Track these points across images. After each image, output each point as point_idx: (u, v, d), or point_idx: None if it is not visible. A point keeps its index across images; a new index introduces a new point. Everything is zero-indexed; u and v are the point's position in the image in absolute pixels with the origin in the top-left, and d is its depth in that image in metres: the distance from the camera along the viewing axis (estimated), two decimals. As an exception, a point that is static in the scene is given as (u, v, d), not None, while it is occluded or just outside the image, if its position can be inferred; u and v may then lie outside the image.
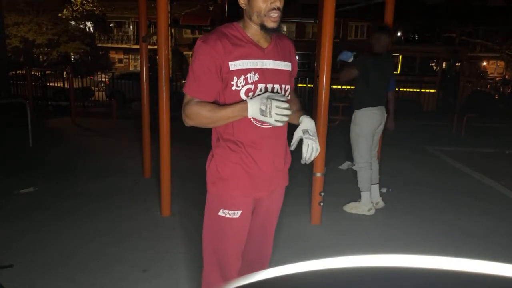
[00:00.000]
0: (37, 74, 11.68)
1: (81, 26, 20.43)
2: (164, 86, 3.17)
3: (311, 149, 1.36)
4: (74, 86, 9.69)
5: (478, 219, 3.50)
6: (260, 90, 1.39)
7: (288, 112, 1.28)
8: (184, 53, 24.60)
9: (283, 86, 1.46)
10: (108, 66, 21.36)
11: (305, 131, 1.40)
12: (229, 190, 1.47)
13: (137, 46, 14.70)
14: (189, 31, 25.06)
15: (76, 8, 18.37)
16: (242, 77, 1.37)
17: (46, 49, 18.52)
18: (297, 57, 1.64)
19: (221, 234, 1.50)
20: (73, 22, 19.53)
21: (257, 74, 1.38)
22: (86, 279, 2.35)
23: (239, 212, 1.47)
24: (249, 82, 1.37)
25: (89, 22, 21.09)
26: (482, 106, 10.17)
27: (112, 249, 2.72)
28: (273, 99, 1.28)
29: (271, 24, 1.36)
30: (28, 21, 17.03)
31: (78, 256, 2.62)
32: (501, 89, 16.48)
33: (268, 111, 1.28)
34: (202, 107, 1.39)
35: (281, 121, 1.29)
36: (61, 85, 11.99)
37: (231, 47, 1.36)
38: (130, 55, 26.30)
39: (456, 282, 0.28)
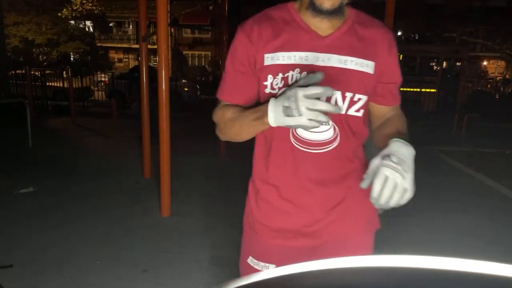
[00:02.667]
0: (37, 73, 11.68)
1: (81, 26, 20.45)
2: (164, 86, 3.17)
3: (391, 186, 0.79)
4: (74, 86, 9.68)
5: (478, 219, 3.49)
6: None
7: (324, 106, 0.78)
8: (184, 52, 24.60)
9: (348, 94, 0.96)
10: (108, 66, 21.35)
11: (387, 156, 0.83)
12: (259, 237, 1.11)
13: (137, 46, 14.72)
14: (189, 30, 25.06)
15: (75, 8, 18.37)
16: (280, 76, 0.95)
17: (45, 48, 18.53)
18: (397, 57, 1.05)
19: None
20: (72, 22, 19.54)
21: (305, 73, 0.93)
22: (86, 279, 2.35)
23: (270, 266, 1.10)
24: (289, 83, 0.94)
25: (89, 22, 21.10)
26: (483, 106, 10.17)
27: (112, 249, 2.72)
28: (300, 87, 0.80)
29: (325, 4, 0.91)
30: (28, 20, 17.03)
31: (78, 256, 2.62)
32: (502, 88, 16.48)
33: (294, 106, 0.79)
34: (226, 111, 1.02)
35: (318, 121, 0.80)
36: (61, 85, 11.98)
37: (271, 33, 0.97)
38: (130, 55, 26.29)
39: (456, 282, 0.28)
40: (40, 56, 19.13)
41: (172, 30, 21.54)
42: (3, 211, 3.35)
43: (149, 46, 4.52)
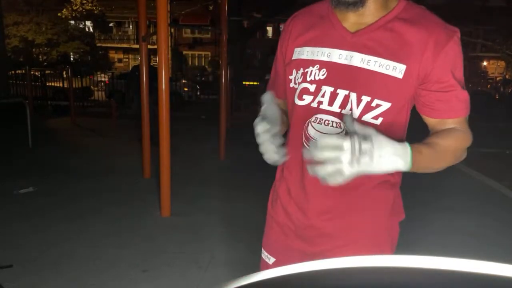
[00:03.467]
0: (37, 73, 11.69)
1: (81, 26, 20.45)
2: (164, 86, 3.17)
3: (333, 165, 0.70)
4: (74, 86, 9.69)
5: (478, 219, 3.49)
6: (323, 96, 0.89)
7: (263, 150, 0.86)
8: (184, 52, 24.60)
9: (364, 98, 0.87)
10: (108, 66, 21.36)
11: (363, 136, 0.72)
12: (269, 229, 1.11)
13: (137, 46, 14.72)
14: (188, 30, 25.06)
15: (75, 8, 18.38)
16: (301, 70, 0.93)
17: (45, 48, 18.54)
18: (454, 62, 0.87)
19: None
20: (72, 22, 19.55)
21: (323, 70, 0.90)
22: (86, 279, 2.35)
23: (272, 259, 1.10)
24: (308, 79, 0.91)
25: (89, 22, 21.11)
26: (483, 106, 10.18)
27: (112, 249, 2.72)
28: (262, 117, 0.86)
29: None
30: (28, 20, 17.05)
31: (78, 256, 2.61)
32: (502, 89, 16.49)
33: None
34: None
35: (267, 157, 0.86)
36: (61, 85, 11.99)
37: (304, 27, 0.96)
38: (130, 55, 26.31)
39: (456, 282, 0.28)
40: (40, 56, 19.14)
41: (172, 30, 21.53)
42: (3, 211, 3.34)
43: (149, 46, 4.52)
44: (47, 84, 11.81)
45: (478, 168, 5.20)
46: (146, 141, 4.37)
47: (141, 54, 4.35)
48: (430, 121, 0.93)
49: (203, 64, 25.43)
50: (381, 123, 0.87)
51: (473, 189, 4.46)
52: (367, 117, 0.87)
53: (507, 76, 21.97)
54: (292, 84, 0.96)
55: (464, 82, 0.91)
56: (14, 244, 2.76)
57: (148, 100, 4.30)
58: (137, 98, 5.75)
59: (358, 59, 0.87)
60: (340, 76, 0.88)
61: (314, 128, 0.91)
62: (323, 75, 0.90)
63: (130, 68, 5.99)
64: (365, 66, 0.86)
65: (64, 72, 11.51)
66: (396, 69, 0.85)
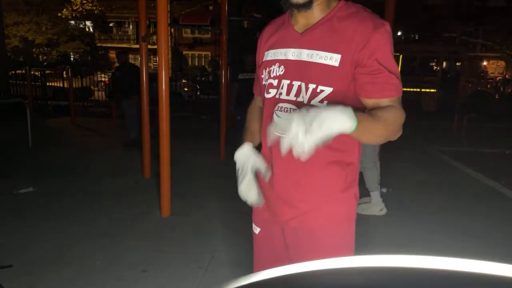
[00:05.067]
0: (37, 73, 11.69)
1: (81, 26, 20.45)
2: (164, 86, 3.17)
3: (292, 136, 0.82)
4: (74, 86, 9.69)
5: (478, 219, 3.49)
6: (282, 87, 1.09)
7: (242, 194, 1.20)
8: (184, 52, 24.59)
9: (310, 86, 1.03)
10: (108, 66, 21.36)
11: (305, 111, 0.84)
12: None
13: (137, 46, 14.70)
14: (188, 30, 25.05)
15: (75, 8, 18.38)
16: (267, 69, 1.14)
17: (45, 48, 18.55)
18: (382, 49, 0.99)
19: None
20: (72, 22, 19.55)
21: (282, 67, 1.10)
22: (86, 279, 2.35)
23: (258, 229, 1.30)
24: (272, 76, 1.12)
25: (89, 22, 21.10)
26: (483, 106, 10.18)
27: (111, 249, 2.72)
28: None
29: None
30: (28, 20, 17.05)
31: (78, 256, 2.61)
32: (502, 89, 16.49)
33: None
34: (250, 109, 1.36)
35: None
36: (61, 85, 11.98)
37: (270, 34, 1.18)
38: (130, 55, 26.28)
39: (456, 282, 0.28)
40: (40, 56, 19.14)
41: (172, 30, 21.53)
42: (3, 211, 3.35)
43: (149, 46, 4.52)
44: (47, 84, 11.80)
45: (478, 168, 5.20)
46: (146, 141, 4.37)
47: (141, 54, 4.34)
48: (365, 101, 1.03)
49: (203, 64, 25.43)
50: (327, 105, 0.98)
51: (473, 189, 4.46)
52: (315, 102, 1.04)
53: (507, 76, 21.95)
54: (263, 82, 1.17)
55: (396, 68, 1.03)
56: (14, 244, 2.76)
57: (147, 100, 4.30)
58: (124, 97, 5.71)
59: (305, 54, 1.05)
60: (293, 70, 1.07)
61: (278, 116, 1.10)
62: (282, 71, 1.10)
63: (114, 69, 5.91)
64: (309, 59, 1.04)
65: (64, 72, 11.51)
66: (332, 59, 1.02)
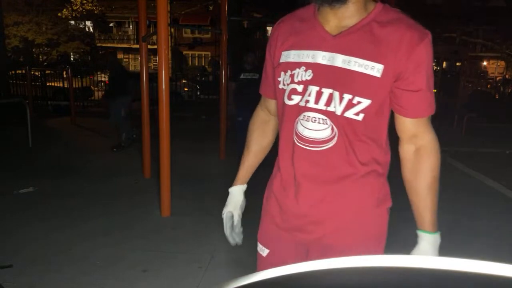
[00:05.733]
0: (37, 73, 11.69)
1: (81, 26, 20.45)
2: (164, 86, 3.17)
3: None
4: (74, 86, 9.69)
5: (478, 219, 3.49)
6: (309, 95, 0.96)
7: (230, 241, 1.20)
8: (184, 52, 24.60)
9: (346, 96, 0.93)
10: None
11: None
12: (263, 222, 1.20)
13: (137, 46, 14.71)
14: (188, 30, 25.07)
15: (75, 8, 18.37)
16: (289, 72, 0.99)
17: (45, 48, 18.56)
18: (424, 62, 0.93)
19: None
20: (72, 22, 19.55)
21: (309, 71, 0.96)
22: (86, 279, 2.35)
23: (266, 251, 1.18)
24: (295, 80, 0.98)
25: (89, 22, 21.11)
26: (483, 106, 10.17)
27: (112, 249, 2.71)
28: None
29: None
30: (28, 20, 17.05)
31: (78, 256, 2.61)
32: (502, 88, 16.48)
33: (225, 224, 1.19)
34: (252, 121, 1.23)
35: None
36: (61, 85, 11.99)
37: (289, 32, 1.02)
38: (130, 55, 26.31)
39: (456, 282, 0.28)
40: (40, 56, 19.14)
41: (172, 30, 21.53)
42: (3, 211, 3.34)
43: (149, 46, 4.52)
44: (47, 84, 11.81)
45: (478, 168, 5.20)
46: (146, 141, 4.37)
47: (141, 54, 4.35)
48: (401, 119, 1.00)
49: (203, 64, 25.43)
50: (363, 119, 0.95)
51: (473, 189, 4.46)
52: (349, 114, 0.95)
53: (507, 76, 21.95)
54: (281, 86, 1.03)
55: (433, 83, 0.98)
56: (14, 244, 2.76)
57: (147, 100, 4.29)
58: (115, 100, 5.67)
59: (339, 60, 0.94)
60: (324, 76, 0.95)
61: (303, 125, 0.99)
62: (309, 76, 0.97)
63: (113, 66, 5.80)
64: (346, 66, 0.93)
65: (64, 72, 11.51)
66: (374, 69, 0.92)
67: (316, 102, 0.96)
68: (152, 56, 15.04)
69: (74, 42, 18.47)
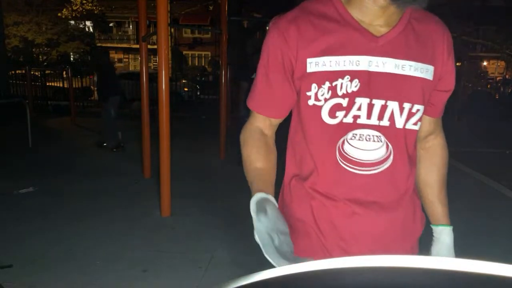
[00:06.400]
0: (37, 73, 11.69)
1: (81, 26, 20.45)
2: (164, 86, 3.17)
3: None
4: (74, 86, 9.69)
5: (478, 219, 3.49)
6: (359, 109, 0.81)
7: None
8: (184, 52, 24.59)
9: (406, 105, 0.83)
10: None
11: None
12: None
13: (137, 46, 14.72)
14: (188, 30, 25.07)
15: (75, 8, 18.37)
16: (327, 84, 0.80)
17: (45, 48, 18.55)
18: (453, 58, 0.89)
19: None
20: (72, 22, 19.55)
21: (355, 81, 0.80)
22: (86, 279, 2.35)
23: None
24: (339, 94, 0.80)
25: (89, 22, 21.11)
26: (483, 106, 10.17)
27: (112, 249, 2.71)
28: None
29: None
30: (28, 20, 17.05)
31: (78, 256, 2.61)
32: (502, 89, 16.49)
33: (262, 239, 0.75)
34: (248, 143, 0.91)
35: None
36: (61, 85, 11.99)
37: (314, 33, 0.82)
38: (130, 55, 26.30)
39: (456, 282, 0.28)
40: (40, 56, 19.14)
41: (172, 30, 21.54)
42: (3, 211, 3.34)
43: (149, 46, 4.52)
44: (47, 84, 11.81)
45: (478, 168, 5.20)
46: (146, 141, 4.37)
47: (141, 54, 4.35)
48: (425, 119, 0.94)
49: (203, 64, 25.43)
50: (419, 128, 0.88)
51: (473, 189, 4.46)
52: (409, 125, 0.85)
53: (507, 76, 21.96)
54: (313, 102, 0.83)
55: None
56: (14, 244, 2.76)
57: (147, 100, 4.30)
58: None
59: (391, 65, 0.81)
60: (375, 85, 0.80)
61: (353, 146, 0.83)
62: (355, 86, 0.80)
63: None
64: (400, 71, 0.81)
65: (64, 72, 11.52)
66: (428, 71, 0.84)
67: (368, 116, 0.82)
68: (152, 56, 15.04)
69: (74, 42, 18.47)
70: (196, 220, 3.29)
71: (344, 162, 0.84)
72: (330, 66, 0.80)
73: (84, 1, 18.61)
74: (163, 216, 3.34)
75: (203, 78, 18.59)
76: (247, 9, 13.59)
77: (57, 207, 3.47)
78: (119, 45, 25.83)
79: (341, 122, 0.82)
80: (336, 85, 0.80)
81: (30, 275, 2.36)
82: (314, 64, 0.81)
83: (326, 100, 0.81)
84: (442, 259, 0.29)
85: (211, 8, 20.09)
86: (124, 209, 3.49)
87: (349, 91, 0.80)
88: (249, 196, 0.81)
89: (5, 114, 6.73)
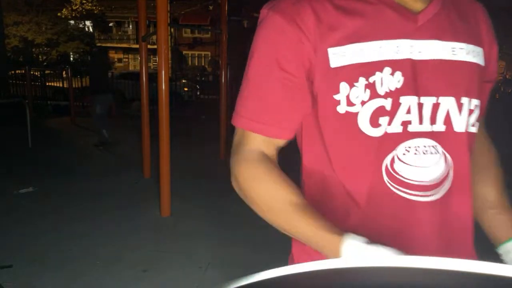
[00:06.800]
0: (37, 73, 11.69)
1: (81, 26, 20.46)
2: (163, 86, 3.17)
3: None
4: (74, 86, 9.70)
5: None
6: (408, 111, 0.60)
7: None
8: (184, 52, 24.61)
9: (465, 101, 0.62)
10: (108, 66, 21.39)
11: None
12: None
13: (137, 46, 14.71)
14: (188, 30, 25.07)
15: (75, 8, 18.38)
16: (362, 82, 0.59)
17: (45, 48, 18.57)
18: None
19: None
20: (72, 22, 19.56)
21: (398, 74, 0.59)
22: (86, 279, 2.35)
23: None
24: (381, 93, 0.59)
25: (89, 22, 21.11)
26: (482, 105, 10.16)
27: (112, 249, 2.72)
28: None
29: None
30: (28, 20, 17.07)
31: (78, 256, 2.61)
32: (502, 88, 16.51)
33: None
34: (262, 178, 0.62)
35: None
36: (61, 85, 11.99)
37: (334, 13, 0.60)
38: (130, 55, 26.31)
39: (456, 282, 0.28)
40: (40, 56, 19.15)
41: (172, 30, 21.55)
42: (3, 211, 3.34)
43: (149, 46, 4.52)
44: (47, 84, 11.81)
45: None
46: (146, 141, 4.37)
47: (141, 54, 4.35)
48: None
49: (203, 64, 25.44)
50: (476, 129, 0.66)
51: (473, 189, 4.47)
52: (470, 127, 0.64)
53: (507, 76, 21.98)
54: (345, 107, 0.59)
55: None
56: (14, 244, 2.76)
57: (147, 100, 4.30)
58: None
59: (440, 49, 0.60)
60: (421, 77, 0.60)
61: (407, 163, 0.60)
62: (398, 81, 0.59)
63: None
64: (451, 57, 0.61)
65: (64, 72, 11.52)
66: (479, 55, 0.65)
67: (421, 121, 0.60)
68: (152, 56, 15.04)
69: (74, 42, 18.50)
70: (196, 220, 3.29)
71: (398, 187, 0.60)
72: (363, 56, 0.58)
73: (84, 1, 18.63)
74: (163, 216, 3.34)
75: (203, 78, 18.60)
76: (247, 9, 13.61)
77: (57, 207, 3.47)
78: (119, 45, 25.84)
79: (386, 133, 0.59)
80: (374, 81, 0.58)
81: (30, 275, 2.36)
82: (340, 55, 0.59)
83: (363, 103, 0.58)
84: (442, 259, 0.29)
85: (211, 8, 20.11)
86: (124, 209, 3.49)
87: (392, 88, 0.58)
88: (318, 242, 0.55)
89: (5, 114, 6.73)
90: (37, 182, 4.04)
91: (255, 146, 0.64)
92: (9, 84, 10.36)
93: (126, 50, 26.13)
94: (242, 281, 0.30)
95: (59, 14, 17.99)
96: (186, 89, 14.52)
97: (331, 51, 0.59)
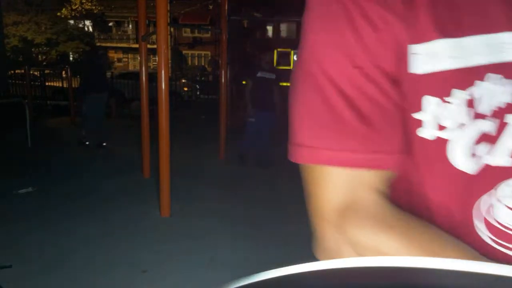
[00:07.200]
0: (36, 73, 11.69)
1: (80, 26, 20.46)
2: (163, 86, 3.17)
3: None
4: (73, 85, 9.69)
5: None
6: None
7: None
8: (184, 52, 24.60)
9: None
10: (107, 66, 21.37)
11: None
12: None
13: (137, 46, 14.71)
14: (188, 30, 25.07)
15: (75, 7, 18.38)
16: (458, 95, 0.39)
17: (45, 48, 18.56)
18: None
19: None
20: (72, 22, 19.56)
21: (506, 83, 0.39)
22: (86, 279, 2.35)
23: None
24: (481, 110, 0.40)
25: (88, 21, 21.11)
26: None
27: (112, 249, 2.72)
28: None
29: None
30: (27, 20, 17.06)
31: (78, 256, 2.62)
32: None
33: None
34: (395, 230, 0.39)
35: None
36: (60, 85, 11.99)
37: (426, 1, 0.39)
38: (129, 55, 26.30)
39: (456, 282, 0.28)
40: (40, 56, 19.15)
41: (172, 29, 21.55)
42: (3, 211, 3.34)
43: (149, 46, 4.52)
44: (47, 84, 11.81)
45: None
46: (145, 141, 4.37)
47: (141, 53, 4.35)
48: None
49: (203, 64, 25.44)
50: None
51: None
52: None
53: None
54: (431, 132, 0.42)
55: None
56: (14, 244, 2.76)
57: (147, 100, 4.30)
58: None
59: None
60: None
61: (509, 207, 0.43)
62: (505, 94, 0.41)
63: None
64: None
65: (64, 72, 11.52)
66: None
67: None
68: (151, 56, 15.04)
69: (74, 41, 18.49)
70: (196, 220, 3.29)
71: (497, 240, 0.43)
72: (457, 60, 0.40)
73: (84, 1, 18.63)
74: (163, 216, 3.34)
75: (203, 78, 18.59)
76: (247, 9, 13.60)
77: (57, 207, 3.47)
78: (118, 45, 25.83)
79: (487, 166, 0.42)
80: (473, 95, 0.40)
81: (29, 275, 2.36)
82: (426, 57, 0.40)
83: (457, 125, 0.41)
84: (442, 259, 0.29)
85: (211, 7, 20.12)
86: (124, 209, 3.49)
87: (498, 104, 0.40)
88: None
89: (4, 114, 6.72)
90: (37, 182, 4.04)
91: (362, 189, 0.42)
92: (8, 84, 10.37)
93: (126, 50, 26.13)
94: (242, 281, 0.30)
95: (58, 13, 17.98)
96: (186, 89, 14.52)
97: (413, 49, 0.40)
